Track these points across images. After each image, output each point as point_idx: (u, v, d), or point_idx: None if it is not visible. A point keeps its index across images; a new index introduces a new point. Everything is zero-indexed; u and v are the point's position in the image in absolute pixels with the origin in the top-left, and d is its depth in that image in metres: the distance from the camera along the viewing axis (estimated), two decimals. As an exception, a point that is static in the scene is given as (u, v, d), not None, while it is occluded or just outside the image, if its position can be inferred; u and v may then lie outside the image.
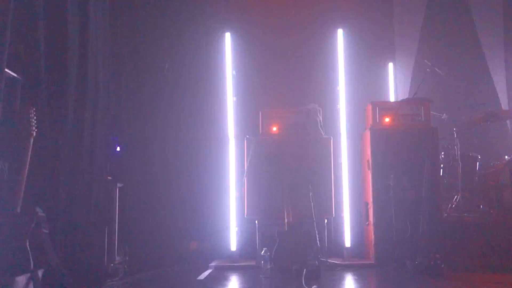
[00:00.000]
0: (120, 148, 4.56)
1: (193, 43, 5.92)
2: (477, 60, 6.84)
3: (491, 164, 5.66)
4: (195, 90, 5.83)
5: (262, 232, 4.83)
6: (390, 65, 6.41)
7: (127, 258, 4.26)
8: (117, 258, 4.14)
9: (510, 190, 5.14)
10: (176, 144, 5.54)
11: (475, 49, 6.86)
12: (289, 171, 4.89)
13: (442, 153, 5.69)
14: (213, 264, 4.86)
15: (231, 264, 4.89)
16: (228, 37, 5.55)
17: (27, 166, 3.15)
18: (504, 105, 6.68)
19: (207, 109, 5.75)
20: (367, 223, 5.06)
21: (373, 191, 4.87)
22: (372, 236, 4.86)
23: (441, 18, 6.84)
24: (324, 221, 4.89)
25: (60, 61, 3.85)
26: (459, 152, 5.65)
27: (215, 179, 5.42)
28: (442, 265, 4.25)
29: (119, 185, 4.35)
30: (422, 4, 6.87)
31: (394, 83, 6.47)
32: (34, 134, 3.22)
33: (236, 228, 5.05)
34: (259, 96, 5.84)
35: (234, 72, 5.48)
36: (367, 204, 5.08)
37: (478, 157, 5.81)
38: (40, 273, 3.06)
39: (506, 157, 5.47)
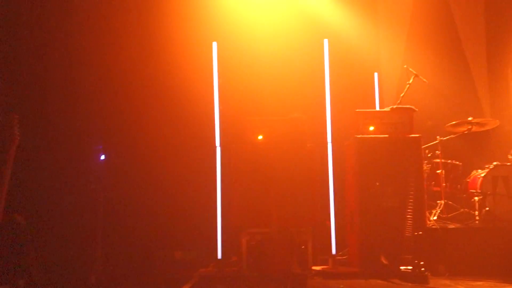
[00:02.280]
0: (104, 157, 4.55)
1: (180, 52, 5.95)
2: (460, 70, 6.95)
3: (474, 172, 5.72)
4: (181, 98, 5.84)
5: (248, 241, 4.83)
6: (376, 74, 6.49)
7: (110, 268, 4.23)
8: (101, 268, 4.11)
9: (492, 197, 5.22)
10: (162, 152, 5.55)
11: (458, 58, 6.98)
12: (275, 179, 4.91)
13: (426, 161, 5.75)
14: (198, 273, 4.84)
15: (217, 273, 4.87)
16: (215, 46, 5.58)
17: (9, 173, 3.12)
18: (487, 114, 6.79)
19: (194, 117, 5.76)
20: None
21: (358, 199, 4.90)
22: (357, 243, 4.88)
23: (425, 28, 6.95)
24: (310, 229, 4.90)
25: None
26: (442, 160, 5.73)
27: (201, 187, 5.42)
28: (426, 272, 4.29)
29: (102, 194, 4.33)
30: (407, 14, 6.98)
31: (379, 92, 6.54)
32: (17, 141, 3.20)
33: (222, 237, 5.04)
34: (245, 105, 5.87)
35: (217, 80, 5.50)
36: (352, 212, 5.11)
37: (461, 164, 5.89)
38: (21, 283, 3.04)
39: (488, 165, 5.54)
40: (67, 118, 5.09)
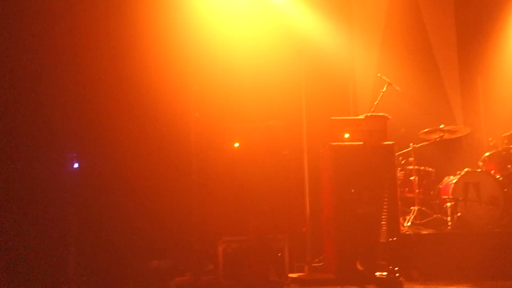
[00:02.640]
0: (78, 165, 4.49)
1: (156, 58, 5.92)
2: (433, 78, 7.11)
3: (446, 178, 5.84)
4: (158, 106, 5.81)
5: (224, 249, 4.81)
6: (351, 82, 6.58)
7: (84, 278, 4.16)
8: (74, 278, 4.03)
9: (464, 203, 5.33)
10: (137, 160, 5.50)
11: (431, 67, 7.14)
12: (251, 186, 4.92)
13: (400, 167, 5.85)
14: (174, 282, 4.80)
15: (193, 282, 4.83)
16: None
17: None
18: (458, 121, 6.95)
19: (170, 125, 5.73)
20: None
21: (334, 205, 4.94)
22: (333, 250, 4.92)
23: (399, 37, 7.10)
24: (286, 236, 4.92)
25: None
26: (415, 167, 5.83)
27: (177, 195, 5.39)
28: (400, 278, 4.35)
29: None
30: (380, 24, 7.11)
31: (354, 99, 6.64)
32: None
33: (198, 245, 5.01)
34: (221, 112, 5.88)
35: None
36: (328, 218, 5.15)
37: (433, 171, 6.01)
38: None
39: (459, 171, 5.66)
40: (39, 124, 5.00)
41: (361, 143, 5.07)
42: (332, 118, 5.22)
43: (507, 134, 6.12)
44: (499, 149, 5.86)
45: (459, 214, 5.29)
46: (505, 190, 5.43)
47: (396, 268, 4.37)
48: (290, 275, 4.86)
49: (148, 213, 5.40)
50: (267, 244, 4.67)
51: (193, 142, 5.16)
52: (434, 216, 5.63)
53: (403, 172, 5.91)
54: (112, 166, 5.35)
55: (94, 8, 5.79)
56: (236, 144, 5.12)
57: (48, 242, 3.92)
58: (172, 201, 5.46)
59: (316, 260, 5.41)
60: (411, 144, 5.90)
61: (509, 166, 5.78)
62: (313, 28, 6.63)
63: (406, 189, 5.88)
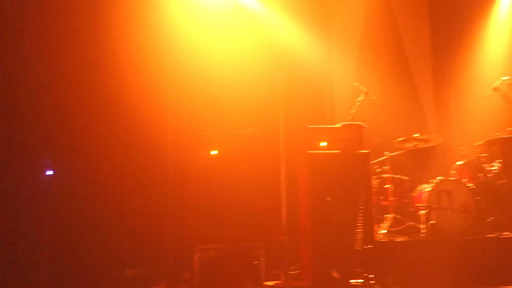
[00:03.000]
0: (52, 172, 4.42)
1: (133, 64, 5.89)
2: (408, 88, 7.26)
3: (420, 186, 5.94)
4: (134, 112, 5.77)
5: (201, 257, 4.79)
6: (328, 91, 6.66)
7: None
8: None
9: (437, 211, 5.42)
10: (113, 167, 5.44)
11: (406, 77, 7.29)
12: (228, 194, 4.91)
13: (375, 176, 5.93)
14: (149, 291, 4.76)
15: (169, 291, 4.80)
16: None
17: None
18: (432, 131, 7.09)
19: (146, 132, 5.70)
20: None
21: (310, 213, 4.97)
22: (309, 258, 4.94)
23: (375, 48, 7.23)
24: (263, 244, 4.92)
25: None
26: (390, 175, 5.92)
27: (153, 203, 5.35)
28: (375, 285, 4.39)
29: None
30: (357, 34, 7.23)
31: (331, 108, 6.72)
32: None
33: (174, 253, 4.97)
34: (198, 120, 5.87)
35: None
36: (305, 226, 5.17)
37: (408, 179, 6.11)
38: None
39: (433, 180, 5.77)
40: (12, 131, 4.91)
41: (337, 151, 5.12)
42: (309, 126, 5.26)
43: (478, 143, 6.27)
44: (471, 158, 6.00)
45: (432, 221, 5.38)
46: (477, 198, 5.55)
47: (371, 276, 4.42)
48: (267, 283, 4.87)
49: (123, 221, 5.34)
50: (244, 252, 4.67)
51: (170, 149, 5.13)
52: (408, 223, 5.71)
53: (378, 180, 5.99)
54: (86, 173, 5.28)
55: (70, 14, 5.73)
56: (213, 152, 5.12)
57: (20, 250, 3.83)
58: (148, 209, 5.41)
59: (293, 268, 5.42)
60: (386, 152, 5.99)
61: (480, 174, 5.92)
62: (291, 37, 6.70)
63: (381, 197, 5.96)
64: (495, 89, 6.09)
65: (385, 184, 5.93)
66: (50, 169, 4.47)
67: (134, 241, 5.33)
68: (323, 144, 5.17)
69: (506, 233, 5.39)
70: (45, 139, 4.70)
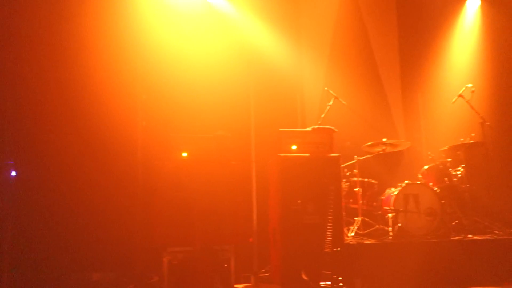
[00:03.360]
0: (15, 173, 4.28)
1: (103, 64, 5.80)
2: (377, 93, 7.39)
3: (388, 190, 6.04)
4: (102, 112, 5.66)
5: (170, 260, 4.73)
6: (299, 95, 6.72)
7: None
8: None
9: (404, 214, 5.53)
10: (79, 168, 5.32)
11: (375, 83, 7.43)
12: (198, 197, 4.87)
13: (344, 179, 6.00)
14: (116, 295, 4.67)
15: (137, 294, 4.72)
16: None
17: None
18: (400, 136, 7.25)
19: (115, 132, 5.60)
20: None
21: (280, 216, 4.98)
22: (279, 260, 4.95)
23: (345, 53, 7.34)
24: (233, 246, 4.90)
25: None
26: (359, 179, 6.00)
27: (121, 204, 5.26)
28: (344, 287, 4.43)
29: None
30: (328, 39, 7.32)
31: (302, 112, 6.77)
32: None
33: (143, 256, 4.90)
34: (169, 122, 5.81)
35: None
36: (274, 229, 5.18)
37: (376, 183, 6.21)
38: None
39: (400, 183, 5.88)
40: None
41: (307, 154, 5.16)
42: (280, 129, 5.28)
43: (444, 148, 6.46)
44: (437, 163, 6.16)
45: (399, 224, 5.48)
46: (442, 201, 5.69)
47: (339, 278, 4.46)
48: (236, 285, 4.85)
49: (89, 223, 5.22)
50: (213, 255, 4.64)
51: (140, 151, 5.06)
52: (377, 226, 5.80)
53: (348, 183, 6.07)
54: (51, 175, 5.14)
55: (37, 12, 5.59)
56: (184, 154, 5.07)
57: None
58: (116, 211, 5.31)
59: (262, 270, 5.42)
60: (355, 156, 6.07)
61: (445, 179, 6.08)
62: (262, 40, 6.73)
63: (351, 200, 6.04)
64: (460, 96, 6.28)
65: (355, 188, 6.01)
66: (13, 170, 4.33)
67: (101, 244, 5.22)
68: (294, 147, 5.20)
69: (469, 236, 5.55)
70: (8, 140, 4.54)
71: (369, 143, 6.11)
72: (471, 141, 6.16)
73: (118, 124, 5.61)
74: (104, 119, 5.65)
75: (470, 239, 5.44)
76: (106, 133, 5.60)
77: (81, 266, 5.06)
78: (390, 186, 6.05)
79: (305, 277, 4.59)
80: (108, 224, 5.30)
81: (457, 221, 5.95)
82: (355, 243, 5.15)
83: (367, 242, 5.31)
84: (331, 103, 6.11)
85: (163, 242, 4.76)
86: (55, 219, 5.01)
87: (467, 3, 7.90)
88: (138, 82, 5.35)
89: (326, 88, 6.21)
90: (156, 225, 4.80)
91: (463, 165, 6.14)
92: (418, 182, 5.87)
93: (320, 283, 4.49)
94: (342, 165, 5.41)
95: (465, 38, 7.87)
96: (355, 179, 6.03)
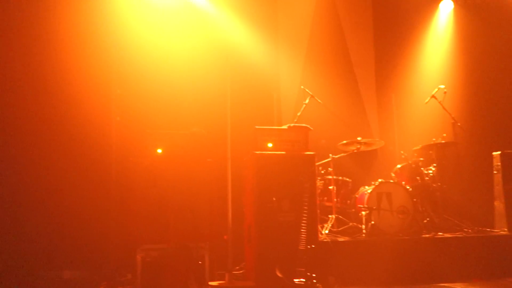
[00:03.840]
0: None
1: (76, 58, 5.69)
2: (352, 93, 7.48)
3: (362, 188, 6.12)
4: (75, 107, 5.56)
5: (143, 257, 4.67)
6: (275, 93, 6.74)
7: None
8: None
9: (377, 212, 5.61)
10: (50, 163, 5.21)
11: (351, 82, 7.51)
12: (173, 194, 4.83)
13: (319, 177, 6.05)
14: (88, 293, 4.59)
15: (109, 292, 4.66)
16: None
17: None
18: (375, 135, 7.35)
19: (88, 128, 5.50)
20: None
21: (255, 213, 4.99)
22: (254, 257, 4.95)
23: (321, 52, 7.40)
24: (207, 244, 4.88)
25: None
26: (334, 177, 6.06)
27: (94, 201, 5.17)
28: (318, 284, 4.47)
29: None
30: (305, 38, 7.37)
31: (278, 110, 6.80)
32: None
33: (116, 254, 4.83)
34: (144, 118, 5.75)
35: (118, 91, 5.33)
36: (250, 226, 5.19)
37: (350, 181, 6.28)
38: None
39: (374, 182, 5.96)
40: None
41: (283, 152, 5.18)
42: (256, 127, 5.29)
43: (416, 148, 6.58)
44: (410, 162, 6.27)
45: (372, 222, 5.55)
46: (414, 200, 5.80)
47: (313, 275, 4.50)
48: (211, 283, 4.83)
49: (61, 220, 5.12)
50: (188, 252, 4.61)
51: (114, 147, 4.99)
52: (350, 224, 5.87)
53: (323, 181, 6.12)
54: (23, 171, 5.02)
55: (9, 5, 5.45)
56: (159, 150, 5.02)
57: None
58: (89, 207, 5.22)
59: (237, 268, 5.43)
60: (330, 155, 6.12)
61: (418, 177, 6.20)
62: (239, 38, 6.72)
63: (325, 198, 6.09)
64: (433, 96, 6.40)
65: (329, 186, 6.07)
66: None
67: (72, 241, 5.12)
68: (270, 145, 5.21)
69: (440, 234, 5.67)
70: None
71: (344, 141, 6.18)
72: (442, 141, 6.29)
73: (91, 119, 5.52)
74: (77, 114, 5.55)
75: (441, 236, 5.56)
76: (79, 129, 5.50)
77: (52, 263, 4.96)
78: (364, 185, 6.13)
79: (279, 274, 4.61)
80: (80, 221, 5.21)
81: (428, 219, 6.08)
82: (329, 240, 5.20)
83: (341, 239, 5.36)
84: (307, 101, 6.14)
85: (137, 239, 4.70)
86: (25, 215, 4.90)
87: (440, 5, 8.06)
88: (113, 76, 5.25)
89: (302, 87, 6.25)
90: (130, 222, 4.74)
91: (434, 164, 6.26)
92: (391, 181, 5.97)
93: (294, 280, 4.52)
94: (317, 163, 5.45)
95: (438, 40, 8.04)
96: (330, 177, 6.08)
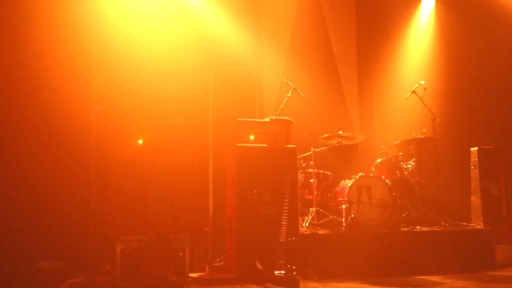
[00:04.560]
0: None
1: (56, 48, 5.59)
2: (334, 87, 7.53)
3: (342, 181, 6.18)
4: (54, 97, 5.47)
5: (123, 248, 4.64)
6: (258, 85, 6.73)
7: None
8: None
9: (357, 205, 5.67)
10: (27, 152, 5.13)
11: (333, 77, 7.56)
12: (154, 185, 4.80)
13: (300, 170, 6.08)
14: (66, 284, 4.52)
15: (87, 283, 4.59)
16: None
17: None
18: (356, 129, 7.41)
19: (67, 118, 5.41)
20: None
21: (236, 205, 4.99)
22: (234, 249, 4.97)
23: (304, 46, 7.42)
24: (188, 235, 4.87)
25: None
26: (315, 170, 6.10)
27: (73, 191, 5.10)
28: (297, 276, 4.51)
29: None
30: (287, 32, 7.37)
31: (260, 102, 6.80)
32: None
33: (96, 245, 4.77)
34: (125, 108, 5.68)
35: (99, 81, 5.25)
36: (230, 218, 5.19)
37: (331, 175, 6.33)
38: None
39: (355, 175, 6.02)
40: None
41: (265, 145, 5.19)
42: (238, 119, 5.28)
43: (396, 142, 6.66)
44: (389, 156, 6.35)
45: (352, 215, 5.61)
46: (393, 194, 5.88)
47: (293, 267, 4.53)
48: (191, 275, 4.83)
49: (40, 210, 5.04)
50: (168, 243, 4.59)
51: (93, 137, 4.90)
52: (330, 217, 5.92)
53: (304, 174, 6.15)
54: (0, 160, 4.93)
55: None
56: (140, 141, 4.97)
57: None
58: (68, 198, 5.15)
59: (217, 259, 5.43)
60: (312, 148, 6.15)
61: (397, 172, 6.28)
62: (222, 30, 6.69)
63: (306, 191, 6.12)
64: (413, 92, 6.48)
65: (310, 179, 6.10)
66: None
67: (51, 232, 5.05)
68: (252, 137, 5.21)
69: (418, 227, 5.76)
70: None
71: (325, 135, 6.21)
72: (422, 136, 6.37)
73: (71, 109, 5.44)
74: (56, 104, 5.46)
75: (418, 230, 5.65)
76: (59, 118, 5.41)
77: (30, 254, 4.88)
78: (345, 178, 6.18)
79: (259, 266, 4.63)
80: (59, 211, 5.14)
81: (406, 212, 6.17)
82: (309, 233, 5.23)
83: (320, 232, 5.40)
84: (289, 94, 6.15)
85: (117, 230, 4.66)
86: (2, 206, 4.80)
87: (422, 2, 8.15)
88: (93, 66, 5.16)
89: (285, 80, 6.25)
90: (109, 213, 4.69)
91: (413, 159, 6.35)
92: (371, 175, 6.02)
93: (275, 272, 4.55)
94: (298, 156, 5.47)
95: (419, 37, 8.14)
96: (311, 170, 6.11)
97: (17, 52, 5.40)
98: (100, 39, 5.35)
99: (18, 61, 5.37)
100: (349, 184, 5.77)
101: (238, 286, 4.62)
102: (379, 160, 6.43)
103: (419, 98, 6.44)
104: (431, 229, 5.73)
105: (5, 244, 4.78)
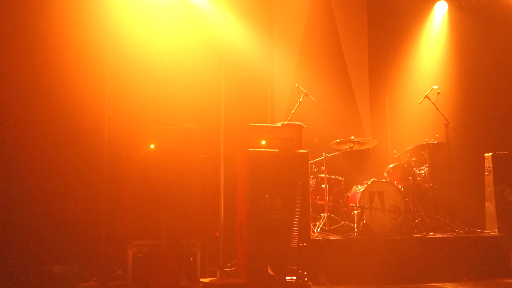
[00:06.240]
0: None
1: (71, 53, 5.64)
2: (345, 92, 7.50)
3: (354, 187, 6.14)
4: (68, 102, 5.52)
5: (134, 253, 4.65)
6: (269, 90, 6.73)
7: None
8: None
9: (369, 211, 5.63)
10: (42, 157, 5.17)
11: (344, 82, 7.53)
12: (165, 189, 4.80)
13: (312, 175, 6.05)
14: (78, 288, 4.55)
15: (99, 288, 4.62)
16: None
17: None
18: (367, 134, 7.37)
19: (81, 122, 5.46)
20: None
21: (248, 210, 4.98)
22: (245, 255, 4.95)
23: (315, 51, 7.42)
24: (199, 240, 4.87)
25: None
26: (326, 175, 6.07)
27: (85, 196, 5.13)
28: (309, 282, 4.48)
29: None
30: (299, 37, 7.37)
31: (272, 107, 6.79)
32: None
33: (107, 249, 4.80)
34: (138, 113, 5.72)
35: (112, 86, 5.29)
36: (242, 223, 5.18)
37: (343, 180, 6.29)
38: None
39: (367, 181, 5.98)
40: None
41: (276, 150, 5.18)
42: (250, 124, 5.28)
43: (409, 148, 6.60)
44: (402, 162, 6.29)
45: (364, 221, 5.57)
46: (406, 199, 5.82)
47: (305, 273, 4.50)
48: (202, 280, 4.82)
49: (52, 214, 5.08)
50: (179, 248, 4.59)
51: (106, 141, 4.93)
52: (342, 222, 5.88)
53: (315, 180, 6.12)
54: (15, 164, 4.98)
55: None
56: (152, 146, 4.99)
57: None
58: (81, 202, 5.18)
59: (228, 264, 5.42)
60: (323, 153, 6.12)
61: (410, 177, 6.22)
62: (234, 35, 6.71)
63: (318, 196, 6.10)
64: (426, 97, 6.43)
65: (322, 184, 6.07)
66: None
67: (63, 236, 5.08)
68: (263, 142, 5.20)
69: (431, 234, 5.70)
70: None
71: (337, 140, 6.18)
72: (435, 142, 6.32)
73: (84, 113, 5.48)
74: (70, 108, 5.51)
75: (432, 236, 5.59)
76: (72, 123, 5.46)
77: (42, 258, 4.92)
78: (357, 184, 6.15)
79: (271, 272, 4.61)
80: (71, 215, 5.17)
81: (419, 219, 6.11)
82: (320, 239, 5.20)
83: (332, 238, 5.37)
84: (301, 99, 6.14)
85: (128, 235, 4.67)
86: (16, 209, 4.85)
87: (435, 6, 8.10)
88: (106, 71, 5.20)
89: (296, 85, 6.24)
90: (121, 217, 4.70)
91: (427, 165, 6.29)
92: (384, 180, 5.98)
93: (286, 277, 4.52)
94: (310, 162, 5.45)
95: (432, 41, 8.08)
96: (323, 175, 6.08)
97: (33, 60, 5.46)
98: (113, 44, 5.39)
99: (34, 69, 5.43)
100: (361, 190, 5.73)
101: (249, 291, 4.60)
102: (391, 166, 6.38)
103: (432, 103, 6.38)
104: (445, 235, 5.67)
105: (18, 247, 4.82)
